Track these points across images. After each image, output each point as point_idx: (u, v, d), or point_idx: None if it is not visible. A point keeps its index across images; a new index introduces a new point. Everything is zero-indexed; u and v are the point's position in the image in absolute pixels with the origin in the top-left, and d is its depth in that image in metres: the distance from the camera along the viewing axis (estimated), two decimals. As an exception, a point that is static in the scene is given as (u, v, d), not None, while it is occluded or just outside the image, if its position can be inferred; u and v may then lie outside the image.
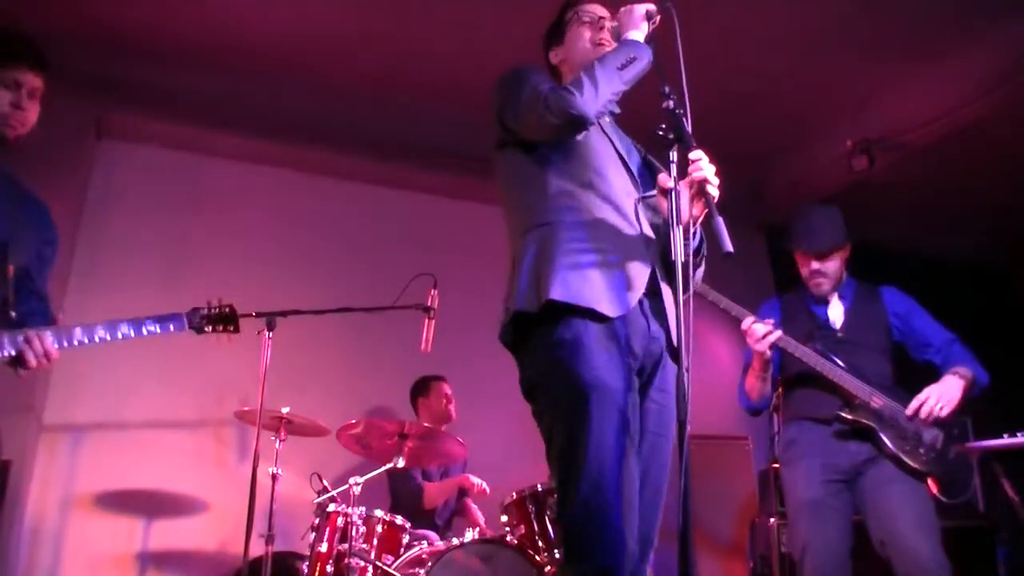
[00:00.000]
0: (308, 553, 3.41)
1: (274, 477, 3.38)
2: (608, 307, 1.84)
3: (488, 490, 4.16)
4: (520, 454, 4.23)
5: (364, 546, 3.34)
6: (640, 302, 1.91)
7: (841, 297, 3.18)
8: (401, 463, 3.47)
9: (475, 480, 4.20)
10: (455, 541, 3.29)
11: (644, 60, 1.97)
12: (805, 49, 4.58)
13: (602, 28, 2.17)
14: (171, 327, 2.37)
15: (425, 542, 3.51)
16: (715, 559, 4.56)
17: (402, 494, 4.16)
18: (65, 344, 2.16)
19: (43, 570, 4.11)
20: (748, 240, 5.72)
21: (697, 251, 2.00)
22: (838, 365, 2.98)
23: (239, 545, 3.22)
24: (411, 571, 3.27)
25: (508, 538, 3.37)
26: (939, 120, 4.95)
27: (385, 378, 4.85)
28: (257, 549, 3.24)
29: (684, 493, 1.60)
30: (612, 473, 1.74)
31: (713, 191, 1.83)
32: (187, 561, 4.36)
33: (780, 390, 3.14)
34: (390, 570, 3.25)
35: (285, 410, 3.53)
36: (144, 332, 2.30)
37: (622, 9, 2.09)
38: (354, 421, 3.52)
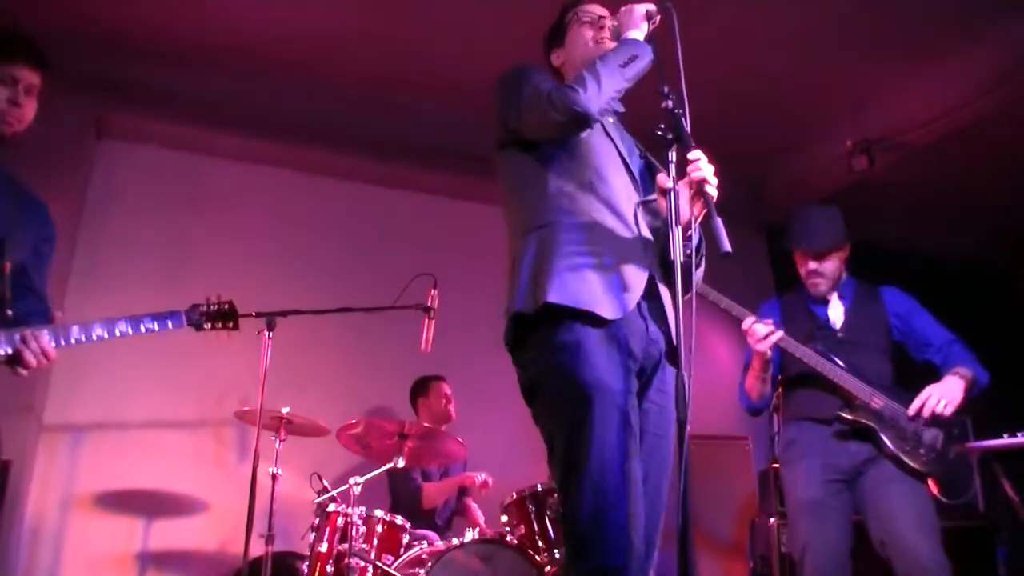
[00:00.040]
0: (308, 553, 3.41)
1: (274, 477, 3.38)
2: (606, 310, 1.84)
3: (491, 481, 4.16)
4: (520, 454, 4.23)
5: (364, 546, 3.35)
6: (638, 305, 1.91)
7: (841, 297, 3.18)
8: (401, 463, 3.47)
9: (476, 476, 4.19)
10: (455, 541, 3.29)
11: (645, 58, 1.97)
12: (805, 49, 4.58)
13: (603, 27, 2.17)
14: (169, 324, 2.35)
15: (425, 542, 3.51)
16: (715, 559, 4.56)
17: (401, 494, 4.16)
18: (62, 342, 2.15)
19: (43, 570, 4.11)
20: (748, 240, 5.72)
21: (696, 251, 1.99)
22: (838, 365, 2.98)
23: (239, 545, 3.22)
24: (411, 571, 3.27)
25: (508, 538, 3.37)
26: (939, 120, 4.95)
27: (385, 378, 4.85)
28: (257, 549, 3.24)
29: (684, 493, 1.60)
30: (615, 473, 1.73)
31: (712, 191, 1.82)
32: (187, 561, 4.36)
33: (780, 390, 3.14)
34: (390, 570, 3.25)
35: (285, 410, 3.53)
36: (142, 329, 2.28)
37: (622, 9, 2.09)
38: (354, 421, 3.52)
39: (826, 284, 3.16)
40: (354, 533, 3.31)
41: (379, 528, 3.43)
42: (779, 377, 3.16)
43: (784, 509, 3.18)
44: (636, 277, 1.91)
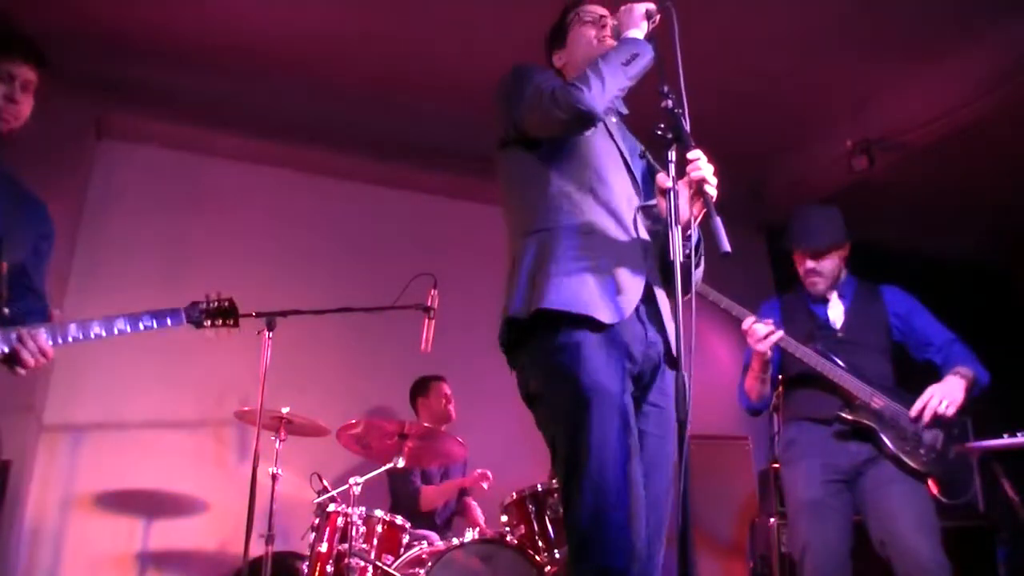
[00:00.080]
0: (308, 553, 3.41)
1: (274, 477, 3.38)
2: (604, 314, 1.84)
3: (489, 474, 4.16)
4: (520, 454, 4.23)
5: (364, 546, 3.35)
6: (637, 309, 1.91)
7: (841, 296, 3.18)
8: (401, 463, 3.47)
9: (476, 473, 4.19)
10: (455, 541, 3.29)
11: (647, 56, 1.97)
12: (805, 49, 4.58)
13: (604, 26, 2.17)
14: (169, 322, 2.32)
15: (425, 542, 3.51)
16: (715, 559, 4.56)
17: (401, 495, 4.16)
18: (60, 341, 2.13)
19: (43, 570, 4.11)
20: (748, 240, 5.72)
21: (695, 251, 1.99)
22: (838, 365, 2.97)
23: (239, 545, 3.22)
24: (411, 571, 3.27)
25: (508, 538, 3.37)
26: (939, 120, 4.95)
27: (385, 378, 4.85)
28: (257, 549, 3.24)
29: (684, 493, 1.60)
30: (615, 475, 1.73)
31: (711, 191, 1.82)
32: (187, 561, 4.36)
33: (780, 390, 3.14)
34: (390, 570, 3.25)
35: (285, 410, 3.53)
36: (141, 327, 2.25)
37: (622, 8, 2.09)
38: (354, 421, 3.52)
39: (824, 283, 3.15)
40: (354, 533, 3.31)
41: (379, 528, 3.43)
42: (779, 377, 3.15)
43: (784, 509, 3.18)
44: (634, 282, 1.91)
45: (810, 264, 3.14)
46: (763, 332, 2.94)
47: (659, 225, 2.05)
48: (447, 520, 4.31)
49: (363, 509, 3.39)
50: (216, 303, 2.44)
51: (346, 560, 3.24)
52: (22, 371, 2.08)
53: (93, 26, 4.37)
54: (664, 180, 1.83)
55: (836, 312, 3.16)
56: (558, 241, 1.91)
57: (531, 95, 1.96)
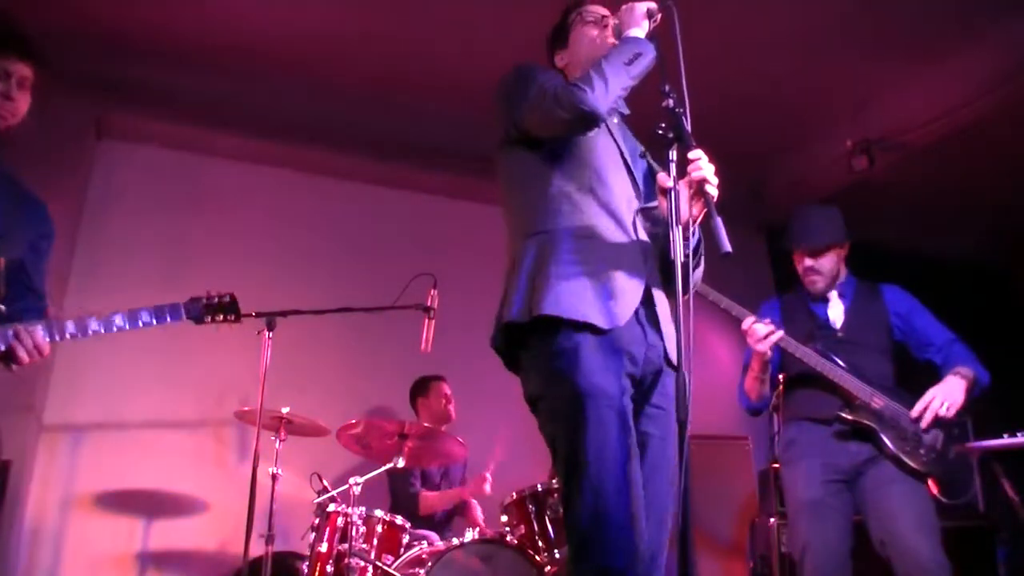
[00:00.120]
0: (308, 553, 3.41)
1: (274, 477, 3.38)
2: (602, 320, 1.84)
3: (489, 476, 4.15)
4: (520, 454, 4.24)
5: (364, 546, 3.34)
6: (636, 311, 1.91)
7: (841, 296, 3.18)
8: (401, 463, 3.47)
9: (476, 478, 4.18)
10: (455, 541, 3.29)
11: (649, 55, 1.97)
12: (806, 49, 4.58)
13: (606, 27, 2.17)
14: (168, 318, 2.28)
15: (425, 542, 3.51)
16: (715, 559, 4.56)
17: (400, 497, 4.16)
18: (57, 338, 2.10)
19: (43, 570, 4.11)
20: (748, 240, 5.72)
21: (695, 251, 1.99)
22: (839, 365, 2.97)
23: (239, 545, 3.22)
24: (411, 571, 3.27)
25: (508, 538, 3.37)
26: (939, 120, 4.95)
27: (385, 378, 4.85)
28: (257, 549, 3.24)
29: (684, 493, 1.60)
30: (615, 475, 1.73)
31: (712, 191, 1.82)
32: (187, 561, 4.36)
33: (780, 390, 3.14)
34: (390, 570, 3.25)
35: (285, 410, 3.52)
36: (140, 324, 2.21)
37: (623, 7, 2.09)
38: (354, 421, 3.51)
39: (823, 281, 3.15)
40: (354, 533, 3.31)
41: (379, 528, 3.43)
42: (779, 377, 3.15)
43: (784, 509, 3.18)
44: (633, 285, 1.91)
45: (809, 262, 3.14)
46: (763, 332, 2.94)
47: (659, 227, 2.05)
48: (447, 517, 4.31)
49: (363, 509, 3.39)
50: (216, 298, 2.41)
51: (346, 560, 3.24)
52: (17, 368, 2.05)
53: (93, 26, 4.37)
54: (665, 180, 1.83)
55: (836, 312, 3.16)
56: (558, 244, 1.91)
57: (534, 95, 1.96)
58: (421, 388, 4.49)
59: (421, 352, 3.37)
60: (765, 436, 3.34)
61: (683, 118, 1.83)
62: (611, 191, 2.00)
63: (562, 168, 2.00)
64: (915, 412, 2.93)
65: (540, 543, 3.31)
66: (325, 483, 3.57)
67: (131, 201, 4.76)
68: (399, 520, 3.50)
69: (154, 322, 2.25)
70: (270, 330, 3.39)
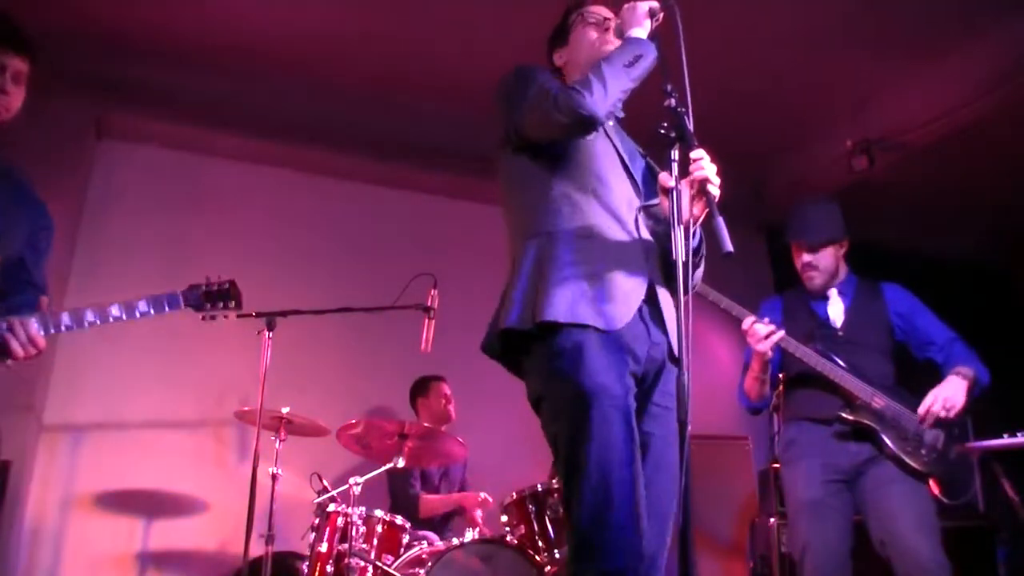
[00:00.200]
0: (308, 553, 3.41)
1: (274, 477, 3.38)
2: (604, 321, 1.83)
3: (491, 500, 4.14)
4: (520, 454, 4.23)
5: (364, 546, 3.34)
6: (639, 309, 1.90)
7: (841, 294, 3.17)
8: (401, 463, 3.47)
9: (477, 495, 4.17)
10: (455, 541, 3.29)
11: (650, 57, 1.96)
12: (808, 48, 4.58)
13: (607, 29, 2.16)
14: (166, 307, 2.22)
15: (425, 542, 3.51)
16: (715, 559, 4.55)
17: (399, 498, 4.16)
18: (52, 330, 2.05)
19: (43, 570, 4.11)
20: (748, 240, 5.72)
21: (696, 251, 1.99)
22: (839, 365, 2.97)
23: (239, 545, 3.22)
24: (411, 571, 3.27)
25: (508, 538, 3.36)
26: (939, 120, 4.95)
27: (385, 378, 4.85)
28: (257, 549, 3.24)
29: (684, 493, 1.60)
30: (616, 475, 1.73)
31: (714, 190, 1.82)
32: (187, 561, 4.36)
33: (780, 390, 3.14)
34: (390, 570, 3.25)
35: (285, 410, 3.52)
36: (137, 314, 2.16)
37: (625, 7, 2.08)
38: (354, 421, 3.51)
39: (821, 278, 3.15)
40: (354, 533, 3.31)
41: (379, 528, 3.43)
42: (779, 376, 3.15)
43: (784, 509, 3.18)
44: (636, 284, 1.91)
45: (807, 258, 3.14)
46: (764, 332, 2.94)
47: (660, 225, 2.04)
48: (444, 516, 4.30)
49: (363, 509, 3.39)
50: (216, 285, 2.34)
51: (346, 560, 3.24)
52: (12, 362, 2.01)
53: (93, 26, 4.37)
54: (667, 179, 1.83)
55: (836, 311, 3.15)
56: (558, 246, 1.90)
57: (533, 96, 1.95)
58: (421, 388, 4.48)
59: (421, 352, 3.37)
60: (765, 436, 3.34)
61: (685, 118, 1.83)
62: (612, 192, 2.00)
63: (562, 170, 1.99)
64: (920, 416, 2.92)
65: (540, 543, 3.31)
66: (325, 483, 3.57)
67: (131, 201, 4.76)
68: (399, 520, 3.50)
69: (152, 312, 2.19)
70: (270, 330, 3.40)
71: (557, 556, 3.25)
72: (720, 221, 1.72)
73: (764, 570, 4.10)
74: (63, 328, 2.08)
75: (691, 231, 1.88)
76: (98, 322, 2.12)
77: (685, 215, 1.83)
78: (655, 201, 2.05)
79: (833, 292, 3.17)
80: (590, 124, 1.91)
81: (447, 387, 4.46)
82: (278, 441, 3.54)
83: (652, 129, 1.84)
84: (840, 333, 3.10)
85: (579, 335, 1.82)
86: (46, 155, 3.92)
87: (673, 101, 1.84)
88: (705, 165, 1.83)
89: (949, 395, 2.93)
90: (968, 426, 3.08)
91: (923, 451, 2.91)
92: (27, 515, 4.13)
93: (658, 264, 2.00)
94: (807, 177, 5.66)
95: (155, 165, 4.89)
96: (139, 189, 4.80)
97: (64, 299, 4.32)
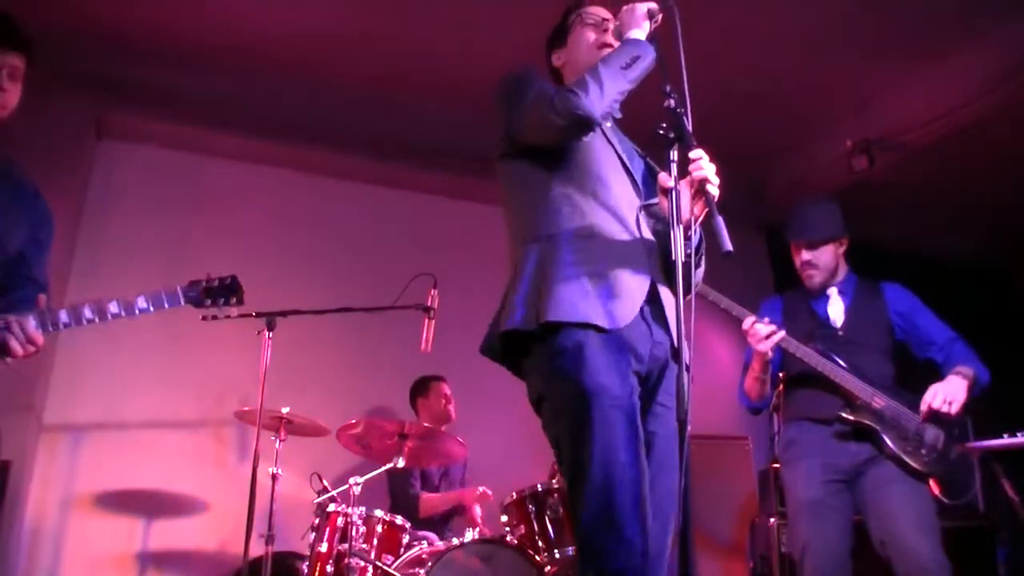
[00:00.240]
0: (308, 553, 3.41)
1: (274, 477, 3.38)
2: (605, 320, 1.83)
3: (490, 494, 4.14)
4: (520, 454, 4.24)
5: (364, 546, 3.34)
6: (641, 309, 1.90)
7: (841, 293, 3.17)
8: (401, 463, 3.47)
9: (475, 490, 4.17)
10: (455, 541, 3.29)
11: (648, 58, 1.96)
12: (807, 49, 4.58)
13: (606, 30, 2.16)
14: (166, 303, 2.18)
15: (425, 542, 3.51)
16: (715, 559, 4.56)
17: (399, 498, 4.16)
18: (50, 328, 2.03)
19: (43, 570, 4.11)
20: (748, 240, 5.72)
21: (696, 250, 1.99)
22: (839, 365, 2.97)
23: (239, 545, 3.22)
24: (411, 571, 3.27)
25: (508, 538, 3.37)
26: (939, 120, 4.95)
27: (385, 378, 4.85)
28: (257, 549, 3.24)
29: (684, 493, 1.60)
30: (619, 475, 1.73)
31: (713, 190, 1.82)
32: (187, 561, 4.36)
33: (780, 390, 3.14)
34: (390, 570, 3.25)
35: (285, 410, 3.53)
36: (136, 311, 2.12)
37: (624, 8, 2.09)
38: (354, 421, 3.51)
39: (820, 276, 3.15)
40: (354, 533, 3.31)
41: (379, 528, 3.43)
42: (780, 376, 3.15)
43: (784, 509, 3.18)
44: (638, 284, 1.91)
45: (806, 256, 3.14)
46: (764, 332, 2.94)
47: (661, 224, 2.04)
48: (444, 516, 4.31)
49: (363, 509, 3.39)
50: (217, 280, 2.30)
51: (346, 560, 3.24)
52: (12, 361, 1.99)
53: (93, 26, 4.37)
54: (666, 180, 1.83)
55: (836, 310, 3.15)
56: (559, 247, 1.90)
57: (531, 96, 1.96)
58: (421, 388, 4.48)
59: (421, 352, 3.37)
60: (765, 436, 3.34)
61: (684, 118, 1.83)
62: (612, 192, 2.00)
63: (563, 172, 1.99)
64: (923, 413, 2.92)
65: (540, 543, 3.31)
66: (325, 483, 3.57)
67: (131, 201, 4.76)
68: (399, 520, 3.49)
69: (151, 308, 2.15)
70: (270, 330, 3.40)
71: (557, 556, 3.25)
72: (720, 221, 1.72)
73: (764, 570, 4.10)
74: (61, 326, 2.06)
75: (691, 231, 1.88)
76: (96, 319, 2.09)
77: (685, 215, 1.83)
78: (655, 200, 2.05)
79: (833, 292, 3.17)
80: (586, 125, 1.92)
81: (447, 387, 4.46)
82: (278, 441, 3.54)
83: (651, 129, 1.85)
84: (840, 333, 3.10)
85: (579, 334, 1.82)
86: (46, 155, 3.91)
87: (672, 102, 1.84)
88: (704, 165, 1.83)
89: (950, 390, 2.93)
90: (968, 426, 3.07)
91: (923, 451, 2.91)
92: (27, 515, 4.13)
93: (659, 263, 2.00)
94: (807, 177, 5.66)
95: (155, 165, 4.89)
96: (139, 189, 4.80)
97: (64, 299, 4.31)
